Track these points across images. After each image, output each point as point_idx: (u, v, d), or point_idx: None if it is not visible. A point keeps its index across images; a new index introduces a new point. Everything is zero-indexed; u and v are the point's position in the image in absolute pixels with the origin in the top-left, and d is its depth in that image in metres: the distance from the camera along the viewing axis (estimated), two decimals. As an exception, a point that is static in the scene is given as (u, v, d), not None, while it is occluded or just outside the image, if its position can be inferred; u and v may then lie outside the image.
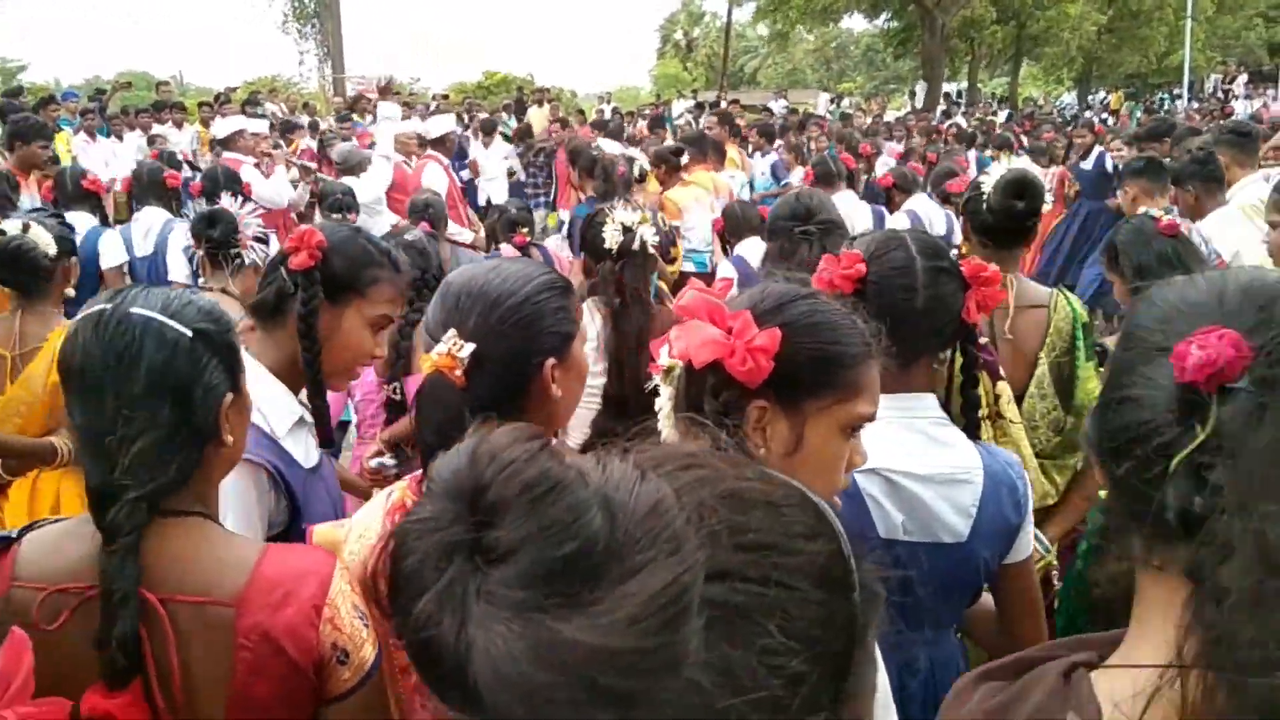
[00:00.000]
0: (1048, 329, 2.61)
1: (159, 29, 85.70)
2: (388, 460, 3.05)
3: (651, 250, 2.89)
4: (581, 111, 20.32)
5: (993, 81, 37.97)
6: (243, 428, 1.49)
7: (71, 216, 4.27)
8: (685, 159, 7.00)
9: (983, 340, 2.27)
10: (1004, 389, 2.36)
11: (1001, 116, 20.32)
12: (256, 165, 7.45)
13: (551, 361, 1.50)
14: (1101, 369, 2.54)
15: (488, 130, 11.17)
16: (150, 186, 4.93)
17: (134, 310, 1.38)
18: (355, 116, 12.88)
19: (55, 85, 26.75)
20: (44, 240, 3.08)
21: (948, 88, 30.82)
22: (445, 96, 19.85)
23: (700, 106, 19.98)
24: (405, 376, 3.20)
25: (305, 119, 13.67)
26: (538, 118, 17.25)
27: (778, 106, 21.55)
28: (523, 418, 1.52)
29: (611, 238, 2.84)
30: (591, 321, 2.76)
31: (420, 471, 1.64)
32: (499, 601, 0.54)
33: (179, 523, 1.37)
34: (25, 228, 3.10)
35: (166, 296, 1.44)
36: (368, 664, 1.38)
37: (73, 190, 4.72)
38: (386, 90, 14.41)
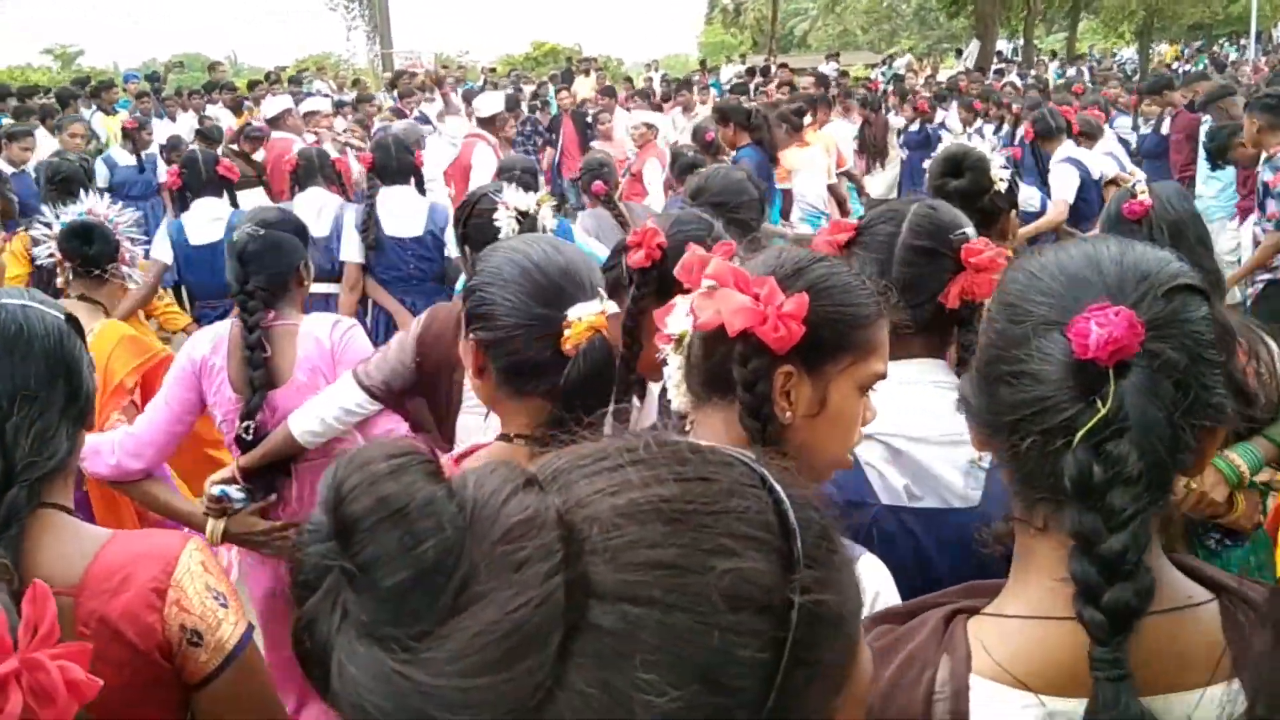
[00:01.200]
0: None
1: (213, 10, 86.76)
2: (234, 491, 2.59)
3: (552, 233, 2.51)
4: (629, 79, 20.26)
5: (1049, 38, 36.98)
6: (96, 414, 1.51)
7: (201, 201, 4.53)
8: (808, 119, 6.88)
9: None
10: None
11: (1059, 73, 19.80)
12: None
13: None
14: None
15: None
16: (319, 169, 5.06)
17: (5, 301, 1.38)
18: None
19: (114, 69, 27.27)
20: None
21: (1002, 46, 30.10)
22: (493, 69, 19.88)
23: (750, 72, 19.76)
24: (270, 388, 2.68)
25: (351, 96, 13.77)
26: (584, 87, 17.23)
27: (828, 69, 21.23)
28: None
29: (506, 226, 2.45)
30: None
31: (461, 450, 1.64)
32: (353, 624, 0.54)
33: (41, 516, 1.35)
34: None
35: (19, 289, 1.47)
36: (229, 644, 1.37)
37: (206, 176, 4.66)
38: (439, 81, 14.36)
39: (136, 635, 1.29)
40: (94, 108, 12.26)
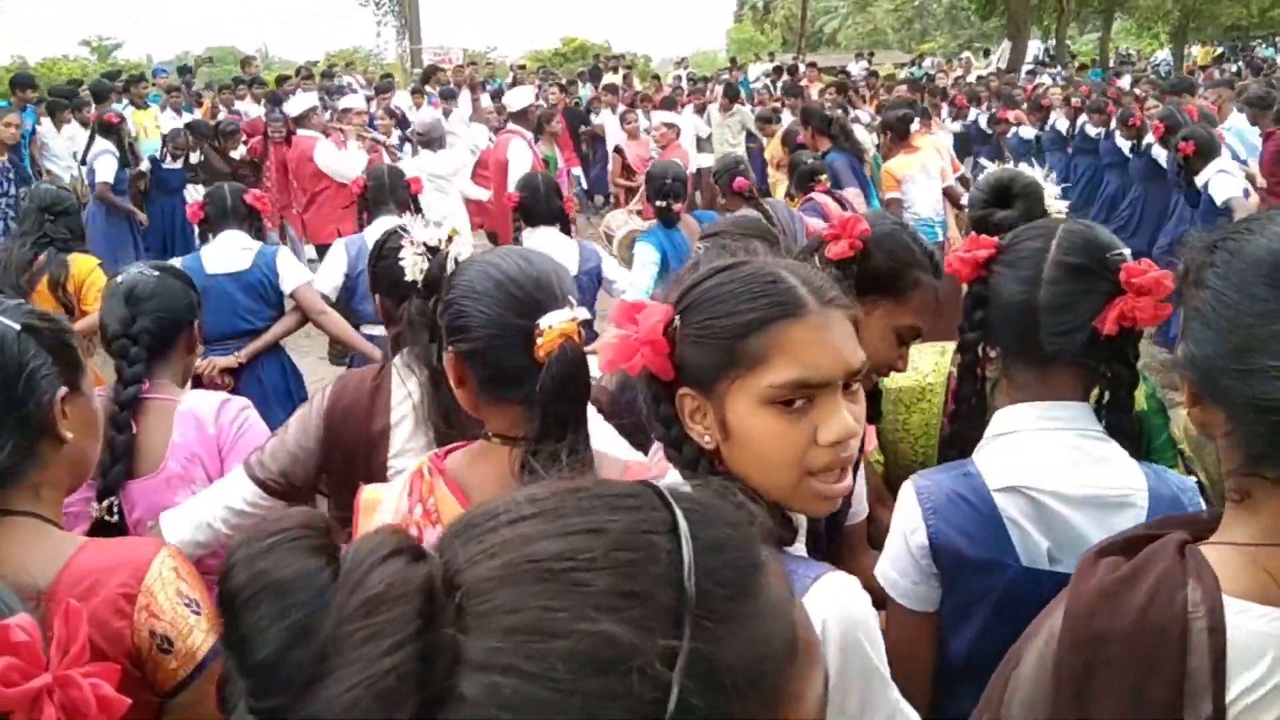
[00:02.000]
0: None
1: (245, 4, 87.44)
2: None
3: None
4: (656, 77, 20.26)
5: (1081, 38, 36.63)
6: (87, 431, 1.50)
7: (225, 233, 4.04)
8: (916, 125, 6.59)
9: None
10: None
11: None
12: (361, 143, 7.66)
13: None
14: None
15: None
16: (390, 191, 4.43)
17: None
18: (428, 88, 13.01)
19: (148, 62, 27.55)
20: None
21: (1033, 46, 29.82)
22: (522, 66, 19.93)
23: (778, 70, 19.70)
24: (126, 481, 2.19)
25: (363, 88, 13.87)
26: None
27: (857, 68, 21.14)
28: None
29: (412, 267, 2.03)
30: (402, 384, 2.12)
31: (447, 449, 1.65)
32: (241, 695, 0.56)
33: (7, 523, 1.37)
34: None
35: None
36: (199, 652, 1.36)
37: (232, 205, 4.15)
38: (474, 85, 14.31)
39: (104, 641, 1.29)
40: (125, 101, 12.40)
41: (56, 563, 1.33)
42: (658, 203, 4.62)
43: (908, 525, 1.55)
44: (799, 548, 1.28)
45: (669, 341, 1.22)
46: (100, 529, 2.12)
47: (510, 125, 7.63)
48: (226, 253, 4.02)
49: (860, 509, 1.90)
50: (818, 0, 41.33)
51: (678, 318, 1.23)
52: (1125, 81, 16.47)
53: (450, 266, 1.90)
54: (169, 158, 8.88)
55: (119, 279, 2.39)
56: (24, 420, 1.38)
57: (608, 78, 17.91)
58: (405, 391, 2.12)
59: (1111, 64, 25.92)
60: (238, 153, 9.36)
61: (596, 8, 78.50)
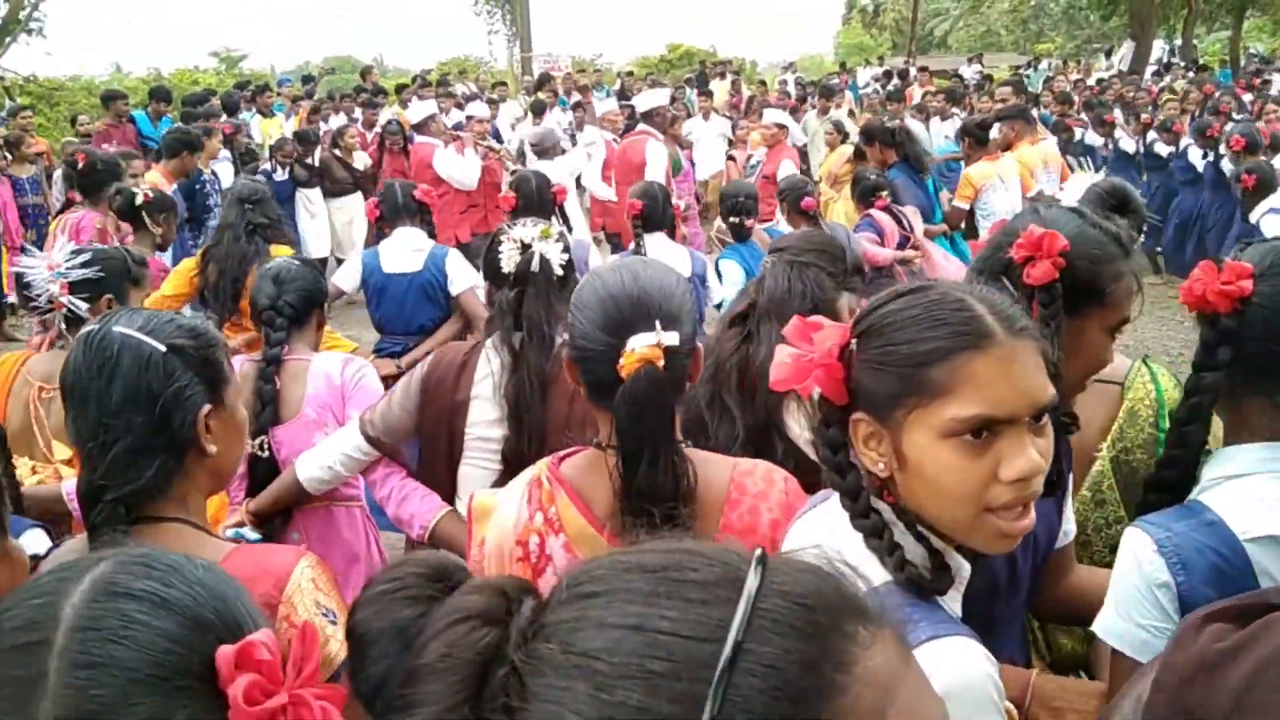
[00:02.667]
0: (1116, 412, 2.00)
1: (362, 14, 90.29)
2: (247, 532, 2.56)
3: (559, 271, 2.31)
4: (763, 83, 20.14)
5: (1210, 37, 35.03)
6: (231, 440, 1.57)
7: (400, 231, 4.32)
8: (996, 133, 6.51)
9: None
10: None
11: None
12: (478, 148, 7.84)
13: (701, 347, 1.66)
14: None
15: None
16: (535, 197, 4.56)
17: (115, 328, 1.49)
18: (541, 95, 13.20)
19: (272, 72, 28.65)
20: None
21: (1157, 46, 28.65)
22: (630, 73, 20.05)
23: (887, 75, 19.39)
24: (274, 426, 2.65)
25: (474, 96, 14.11)
26: (720, 91, 17.23)
27: (969, 71, 20.66)
28: (678, 406, 1.62)
29: (509, 260, 2.30)
30: (487, 363, 2.33)
31: (571, 449, 1.71)
32: None
33: (157, 528, 1.45)
34: None
35: (148, 316, 1.54)
36: (335, 661, 1.40)
37: (403, 202, 4.42)
38: (584, 89, 14.43)
39: None
40: (253, 110, 12.94)
41: None
42: (731, 219, 4.86)
43: (1154, 580, 1.40)
44: (953, 596, 1.23)
45: (844, 365, 1.20)
46: (254, 463, 2.62)
47: (641, 126, 7.62)
48: (401, 253, 4.30)
49: (1070, 528, 1.77)
50: (929, 2, 40.53)
51: (855, 341, 1.21)
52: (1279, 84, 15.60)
53: (537, 263, 2.27)
54: (277, 168, 8.99)
55: (268, 266, 2.95)
56: (172, 439, 1.47)
57: (715, 84, 17.91)
58: (489, 369, 2.32)
59: (1243, 64, 24.71)
60: (360, 161, 9.62)
61: (702, 13, 78.52)
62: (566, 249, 2.39)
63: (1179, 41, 29.36)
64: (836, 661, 0.58)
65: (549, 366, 2.23)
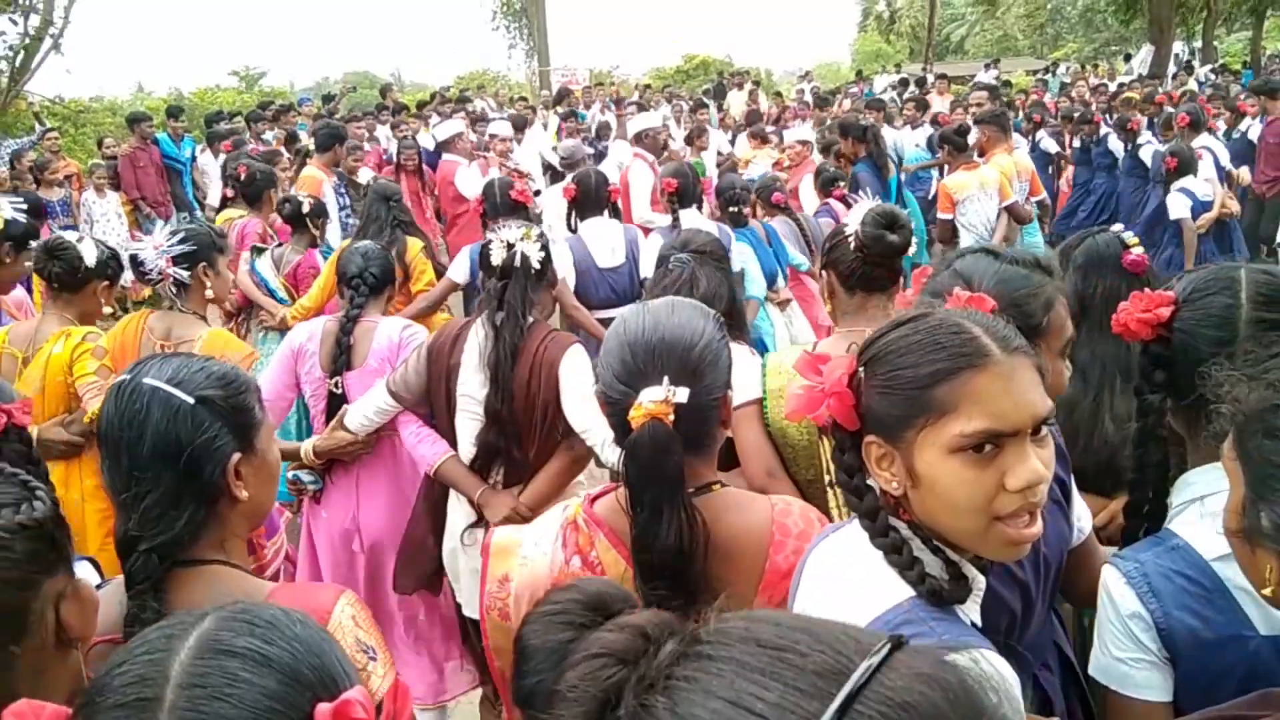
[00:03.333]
0: None
1: (378, 29, 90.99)
2: (305, 476, 3.27)
3: (536, 266, 2.86)
4: (779, 94, 20.17)
5: (1230, 38, 34.82)
6: (262, 483, 1.59)
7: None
8: (974, 138, 6.48)
9: None
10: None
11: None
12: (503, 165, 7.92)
13: (729, 394, 1.62)
14: None
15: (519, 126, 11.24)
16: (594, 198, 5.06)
17: (144, 380, 1.52)
18: (561, 109, 13.27)
19: (290, 89, 28.89)
20: (86, 252, 3.42)
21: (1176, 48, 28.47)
22: (648, 85, 20.12)
23: (904, 82, 19.40)
24: (347, 371, 3.38)
25: (495, 111, 14.19)
26: (738, 101, 17.27)
27: (987, 77, 20.60)
28: (706, 450, 1.64)
29: (497, 255, 2.84)
30: (475, 336, 2.88)
31: (598, 491, 1.73)
32: None
33: (198, 571, 1.50)
34: (80, 239, 3.49)
35: (178, 365, 1.56)
36: (377, 695, 1.40)
37: (501, 201, 4.90)
38: (619, 102, 14.40)
39: None
40: (275, 129, 13.06)
41: None
42: (730, 209, 5.38)
43: (1125, 611, 1.47)
44: (971, 607, 1.28)
45: (854, 392, 1.26)
46: (330, 399, 3.34)
47: (635, 149, 7.72)
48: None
49: (1084, 524, 1.84)
50: (945, 7, 40.48)
51: (862, 369, 1.27)
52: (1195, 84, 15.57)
53: (519, 259, 2.84)
54: None
55: (357, 245, 3.67)
56: (201, 489, 1.50)
57: (732, 94, 17.96)
58: (475, 341, 2.89)
59: (1264, 65, 24.53)
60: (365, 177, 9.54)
61: (716, 22, 78.69)
62: (544, 248, 2.93)
63: (1199, 44, 29.20)
64: None
65: (520, 341, 2.83)
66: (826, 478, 2.37)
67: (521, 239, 2.86)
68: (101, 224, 9.79)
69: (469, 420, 2.90)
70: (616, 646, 0.70)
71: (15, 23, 19.25)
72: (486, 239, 2.94)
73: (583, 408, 2.75)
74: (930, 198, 10.16)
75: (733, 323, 2.52)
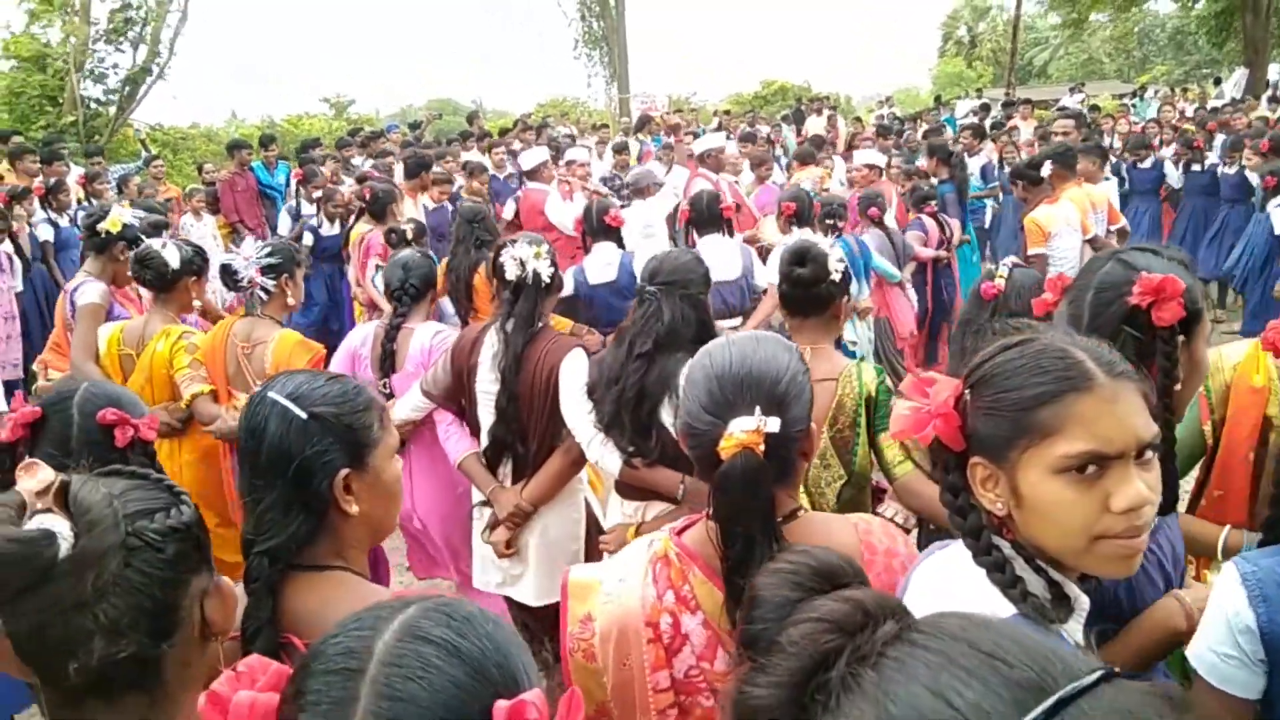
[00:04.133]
0: (831, 403, 2.73)
1: (460, 58, 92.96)
2: None
3: (545, 280, 3.23)
4: (859, 119, 20.09)
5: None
6: (377, 499, 1.65)
7: (598, 247, 5.06)
8: (1047, 170, 6.38)
9: None
10: None
11: None
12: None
13: (813, 427, 1.62)
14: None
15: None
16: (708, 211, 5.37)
17: (269, 394, 1.63)
18: (642, 136, 13.41)
19: (377, 116, 29.69)
20: (170, 256, 3.98)
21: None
22: (726, 111, 20.21)
23: (985, 107, 19.17)
24: (393, 373, 3.79)
25: (593, 140, 14.36)
26: (816, 126, 17.25)
27: (1072, 101, 20.25)
28: (790, 481, 1.64)
29: (511, 271, 3.20)
30: (490, 340, 3.25)
31: (683, 521, 1.73)
32: None
33: (316, 576, 1.58)
34: (164, 245, 4.04)
35: (301, 382, 1.66)
36: None
37: (597, 224, 5.12)
38: (675, 129, 14.54)
39: None
40: (365, 157, 13.43)
41: (341, 612, 1.53)
42: (827, 222, 5.83)
43: (1230, 611, 1.52)
44: (1074, 627, 1.30)
45: (960, 413, 1.30)
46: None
47: (700, 170, 7.81)
48: (598, 266, 5.06)
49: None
50: (1027, 31, 39.88)
51: (968, 391, 1.31)
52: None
53: (530, 275, 3.20)
54: (325, 221, 8.24)
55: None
56: (310, 499, 1.59)
57: (811, 120, 17.94)
58: (490, 343, 3.25)
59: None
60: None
61: (795, 48, 78.65)
62: (553, 264, 3.26)
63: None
64: None
65: (526, 346, 3.18)
66: None
67: (534, 256, 3.20)
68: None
69: (487, 415, 3.27)
70: (839, 616, 0.77)
71: (123, 51, 20.23)
72: (502, 249, 3.31)
73: (573, 405, 3.06)
74: (986, 226, 10.16)
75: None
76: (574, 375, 3.08)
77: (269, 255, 3.81)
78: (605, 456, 2.98)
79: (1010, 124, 14.27)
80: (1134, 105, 20.93)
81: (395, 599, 0.92)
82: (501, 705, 0.81)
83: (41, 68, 19.41)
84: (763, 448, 1.48)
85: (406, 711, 0.81)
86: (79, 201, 9.49)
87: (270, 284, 3.82)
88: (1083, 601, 1.31)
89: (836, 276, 2.87)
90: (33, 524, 1.10)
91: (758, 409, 1.51)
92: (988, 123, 14.44)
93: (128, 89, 20.68)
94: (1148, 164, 10.14)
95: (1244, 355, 2.23)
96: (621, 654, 1.61)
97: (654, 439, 2.88)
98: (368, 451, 1.64)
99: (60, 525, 1.10)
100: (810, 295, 2.86)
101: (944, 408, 1.29)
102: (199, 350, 3.80)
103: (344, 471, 1.60)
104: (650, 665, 1.57)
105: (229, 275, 3.81)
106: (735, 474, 1.48)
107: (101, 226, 4.45)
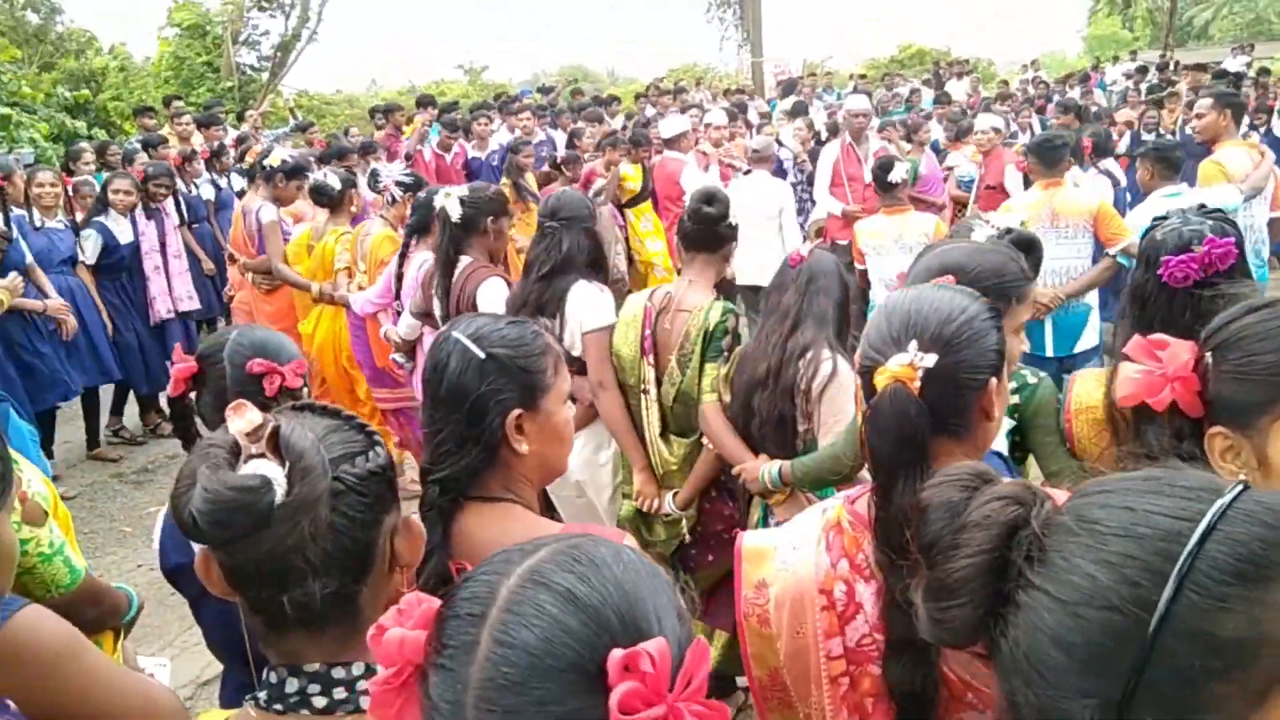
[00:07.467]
0: (684, 329, 3.21)
1: (590, 25, 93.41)
2: (398, 357, 4.80)
3: (455, 219, 3.95)
4: (1005, 82, 19.31)
5: None
6: (547, 440, 1.71)
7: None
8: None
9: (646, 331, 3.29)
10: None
11: None
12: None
13: (994, 382, 1.45)
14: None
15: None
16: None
17: (453, 333, 1.72)
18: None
19: (510, 83, 30.08)
20: (333, 180, 5.87)
21: None
22: (863, 75, 19.71)
23: (1142, 70, 18.12)
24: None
25: (710, 103, 14.19)
26: (958, 91, 16.64)
27: (1236, 64, 18.92)
28: (964, 436, 1.47)
29: (425, 212, 4.50)
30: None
31: (856, 489, 1.64)
32: None
33: (488, 506, 1.67)
34: (326, 175, 6.03)
35: (483, 324, 1.74)
36: None
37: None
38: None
39: None
40: (499, 119, 13.62)
41: (502, 542, 1.56)
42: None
43: None
44: None
45: (1200, 378, 1.26)
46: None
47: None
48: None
49: None
50: (1189, -11, 37.52)
51: (1209, 355, 1.26)
52: None
53: (441, 215, 4.02)
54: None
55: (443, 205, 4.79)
56: (482, 435, 1.67)
57: (951, 84, 17.31)
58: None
59: None
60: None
61: (935, 10, 76.02)
62: (464, 204, 3.96)
63: None
64: None
65: (451, 275, 3.98)
66: (642, 386, 3.31)
67: (444, 196, 3.96)
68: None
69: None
70: (1012, 493, 0.88)
71: (274, 18, 21.01)
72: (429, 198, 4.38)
73: None
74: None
75: (600, 272, 3.54)
76: (491, 300, 3.74)
77: (406, 175, 5.48)
78: None
79: (1173, 90, 13.46)
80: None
81: (545, 538, 0.90)
82: (616, 654, 0.77)
83: (201, 35, 20.34)
84: (917, 385, 1.37)
85: (519, 658, 0.79)
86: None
87: (399, 193, 5.46)
88: None
89: (735, 221, 3.36)
90: (248, 469, 1.11)
91: (913, 343, 1.41)
92: (1143, 86, 13.67)
93: (279, 55, 21.49)
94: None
95: None
96: (796, 622, 1.58)
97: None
98: (540, 394, 1.70)
99: (275, 472, 1.11)
100: (710, 233, 3.29)
101: (1183, 370, 1.25)
102: (351, 242, 5.60)
103: (516, 411, 1.67)
104: (824, 633, 1.54)
105: (374, 178, 5.27)
106: (884, 406, 1.39)
107: (267, 161, 6.33)
